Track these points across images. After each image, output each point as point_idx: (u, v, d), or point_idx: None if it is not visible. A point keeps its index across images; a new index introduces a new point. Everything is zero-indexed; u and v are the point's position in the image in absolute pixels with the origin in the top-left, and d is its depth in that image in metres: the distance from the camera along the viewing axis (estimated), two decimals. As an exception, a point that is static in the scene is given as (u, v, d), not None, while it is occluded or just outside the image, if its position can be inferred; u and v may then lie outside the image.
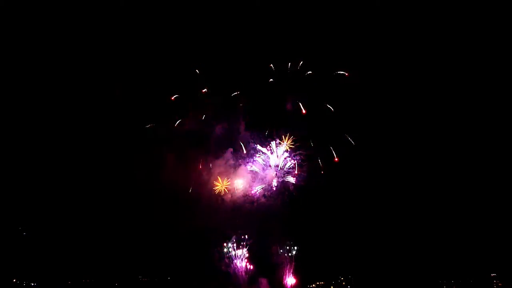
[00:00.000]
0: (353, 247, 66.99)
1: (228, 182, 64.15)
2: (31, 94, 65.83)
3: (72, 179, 66.62)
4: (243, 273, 65.73)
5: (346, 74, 63.27)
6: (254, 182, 64.89)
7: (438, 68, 67.35)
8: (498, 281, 67.55)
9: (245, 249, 65.95)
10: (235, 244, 66.00)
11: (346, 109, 64.98)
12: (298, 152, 64.72)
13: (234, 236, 65.86)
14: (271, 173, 64.99)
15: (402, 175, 67.64)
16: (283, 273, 66.46)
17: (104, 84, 65.61)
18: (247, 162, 64.96)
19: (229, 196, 64.28)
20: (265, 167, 65.11)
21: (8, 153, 65.57)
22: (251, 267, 66.11)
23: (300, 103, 62.99)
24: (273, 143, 64.70)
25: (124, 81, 64.71)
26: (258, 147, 64.83)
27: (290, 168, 65.06)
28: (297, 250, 66.95)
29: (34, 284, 67.02)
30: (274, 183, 64.79)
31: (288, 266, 66.67)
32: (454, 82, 67.25)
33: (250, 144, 64.65)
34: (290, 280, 66.48)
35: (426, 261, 67.83)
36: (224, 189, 63.90)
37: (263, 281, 66.03)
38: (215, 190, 63.85)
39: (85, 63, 65.85)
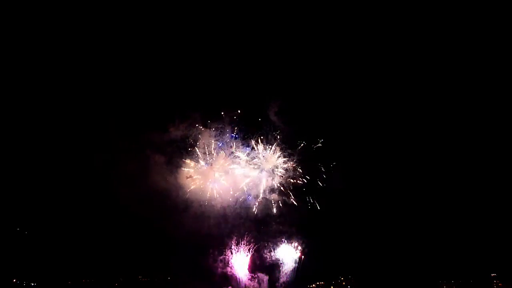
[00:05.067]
0: (353, 247, 67.10)
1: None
2: (31, 95, 65.93)
3: (72, 180, 66.66)
4: (243, 272, 66.13)
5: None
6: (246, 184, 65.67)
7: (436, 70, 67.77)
8: (498, 281, 67.51)
9: (244, 249, 66.41)
10: (234, 244, 66.44)
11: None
12: (292, 157, 65.49)
13: (234, 237, 66.37)
14: (264, 175, 65.57)
15: (402, 176, 67.96)
16: (283, 272, 66.82)
17: (102, 86, 65.94)
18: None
19: (220, 200, 65.02)
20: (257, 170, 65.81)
21: (8, 154, 65.60)
22: (251, 266, 66.61)
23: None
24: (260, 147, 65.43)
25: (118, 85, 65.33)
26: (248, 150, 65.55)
27: (285, 169, 65.74)
28: (298, 250, 67.31)
29: (34, 284, 67.00)
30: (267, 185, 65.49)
31: (289, 265, 66.99)
32: (451, 84, 67.67)
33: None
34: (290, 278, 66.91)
35: (426, 261, 67.86)
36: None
37: (264, 279, 66.32)
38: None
39: (82, 65, 66.17)
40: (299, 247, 67.55)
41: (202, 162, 65.38)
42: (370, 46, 67.25)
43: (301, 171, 65.56)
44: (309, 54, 66.59)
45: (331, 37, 66.21)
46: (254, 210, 65.36)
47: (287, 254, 67.45)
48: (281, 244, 67.47)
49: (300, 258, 67.42)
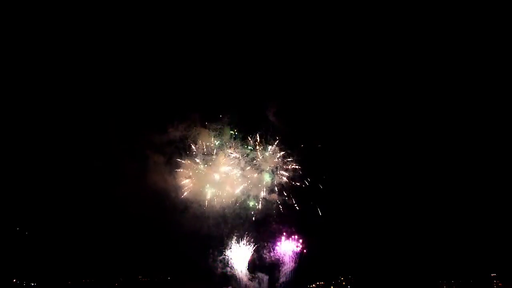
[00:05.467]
0: (352, 247, 67.14)
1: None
2: (31, 95, 65.95)
3: (72, 180, 66.71)
4: (243, 272, 66.24)
5: None
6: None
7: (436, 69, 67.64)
8: (498, 281, 67.52)
9: (244, 249, 66.50)
10: (234, 244, 66.52)
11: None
12: (292, 157, 65.49)
13: (234, 237, 66.39)
14: (263, 176, 65.62)
15: (402, 175, 67.88)
16: (283, 272, 66.90)
17: (101, 87, 65.95)
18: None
19: (220, 200, 65.10)
20: (257, 169, 65.85)
21: (8, 154, 65.64)
22: (251, 266, 66.79)
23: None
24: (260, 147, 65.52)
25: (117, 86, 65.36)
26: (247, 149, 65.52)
27: (284, 169, 65.76)
28: (297, 249, 67.39)
29: (34, 284, 67.13)
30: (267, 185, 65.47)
31: (289, 265, 67.05)
32: (450, 84, 67.55)
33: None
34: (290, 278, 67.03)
35: (426, 261, 67.87)
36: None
37: (264, 279, 66.41)
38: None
39: (81, 66, 66.14)
40: (299, 247, 67.56)
41: (201, 163, 65.51)
42: (369, 46, 67.22)
43: (301, 172, 65.67)
44: (308, 54, 66.55)
45: (329, 38, 66.17)
46: (253, 210, 65.53)
47: (287, 254, 67.46)
48: (281, 244, 67.50)
49: (300, 258, 67.43)
